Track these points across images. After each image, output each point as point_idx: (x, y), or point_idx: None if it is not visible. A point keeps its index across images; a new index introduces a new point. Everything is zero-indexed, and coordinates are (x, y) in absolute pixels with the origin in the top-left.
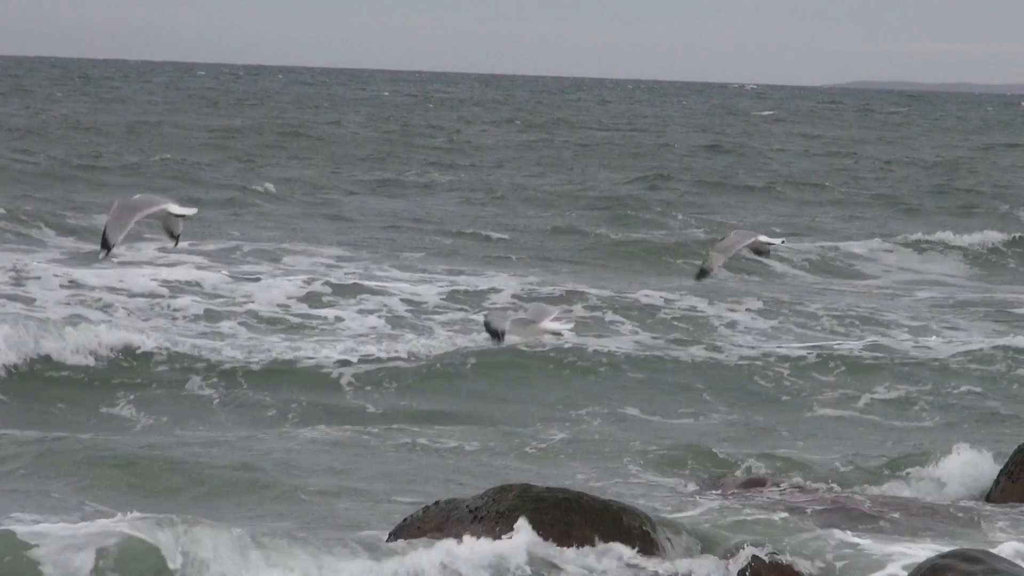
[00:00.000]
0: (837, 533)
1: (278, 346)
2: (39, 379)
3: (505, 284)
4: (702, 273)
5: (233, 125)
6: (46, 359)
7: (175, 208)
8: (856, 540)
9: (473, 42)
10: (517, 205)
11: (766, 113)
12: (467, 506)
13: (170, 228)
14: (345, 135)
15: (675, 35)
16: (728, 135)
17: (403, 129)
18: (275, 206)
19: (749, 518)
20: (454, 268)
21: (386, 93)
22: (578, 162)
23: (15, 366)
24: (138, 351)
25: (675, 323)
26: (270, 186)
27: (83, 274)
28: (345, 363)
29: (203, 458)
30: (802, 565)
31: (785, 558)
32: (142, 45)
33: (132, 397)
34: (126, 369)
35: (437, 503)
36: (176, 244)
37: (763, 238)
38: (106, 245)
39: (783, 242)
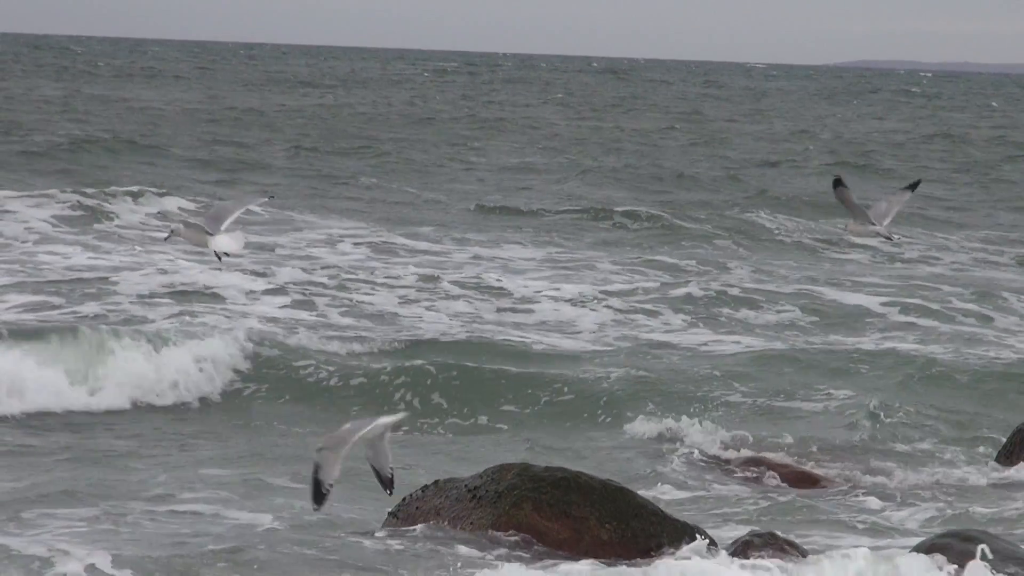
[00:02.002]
0: (829, 507)
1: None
2: None
3: None
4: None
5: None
6: None
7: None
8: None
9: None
10: None
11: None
12: (466, 485)
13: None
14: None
15: (670, 14)
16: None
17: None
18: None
19: (744, 496)
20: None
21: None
22: None
23: None
24: None
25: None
26: None
27: None
28: None
29: None
30: (796, 540)
31: (778, 534)
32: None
33: None
34: None
35: (436, 482)
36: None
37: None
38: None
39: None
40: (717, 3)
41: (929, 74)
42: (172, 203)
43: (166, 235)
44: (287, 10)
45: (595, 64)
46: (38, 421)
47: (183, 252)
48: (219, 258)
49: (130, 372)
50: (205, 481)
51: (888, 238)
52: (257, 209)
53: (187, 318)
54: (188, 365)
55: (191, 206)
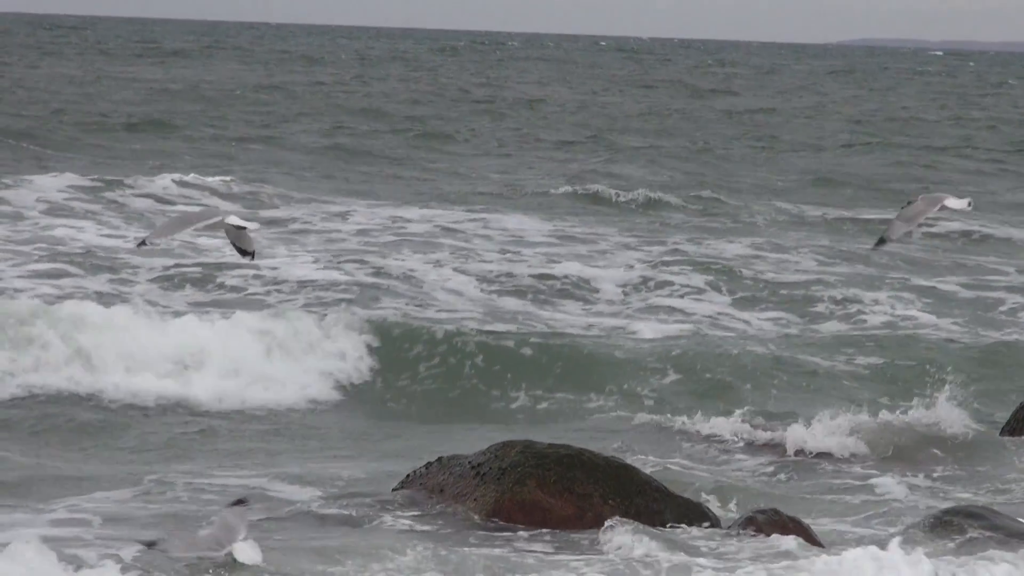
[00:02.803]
0: (836, 483)
1: None
2: None
3: None
4: (881, 242)
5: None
6: None
7: (235, 220)
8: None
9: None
10: None
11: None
12: (469, 462)
13: (238, 243)
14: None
15: None
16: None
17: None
18: None
19: (748, 473)
20: None
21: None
22: None
23: None
24: None
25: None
26: None
27: None
28: None
29: None
30: (800, 518)
31: (782, 511)
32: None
33: None
34: None
35: (440, 459)
36: (252, 258)
37: (951, 202)
38: (143, 242)
39: (970, 204)
40: None
41: (939, 52)
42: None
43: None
44: None
45: (603, 43)
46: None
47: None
48: (246, 255)
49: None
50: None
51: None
52: (249, 226)
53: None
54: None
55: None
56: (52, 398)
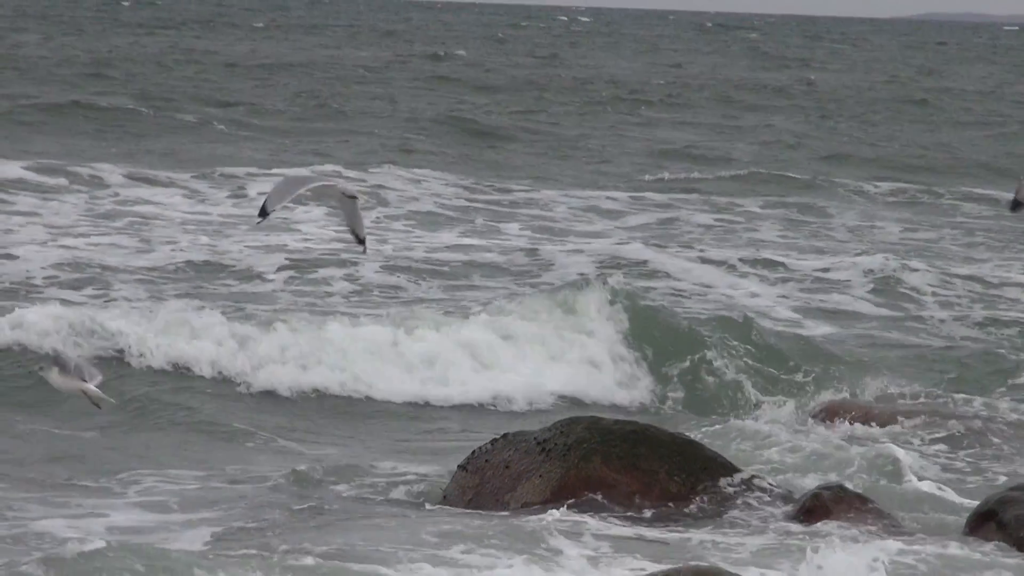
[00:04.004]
0: (905, 458)
1: None
2: None
3: None
4: (1016, 205)
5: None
6: None
7: (345, 186)
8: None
9: None
10: None
11: None
12: (535, 438)
13: (351, 222)
14: None
15: None
16: None
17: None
18: None
19: (820, 448)
20: None
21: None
22: None
23: None
24: None
25: None
26: None
27: None
28: None
29: None
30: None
31: (848, 486)
32: None
33: None
34: None
35: (505, 435)
36: (365, 250)
37: None
38: (264, 212)
39: None
40: None
41: (1015, 27)
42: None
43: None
44: None
45: (709, 24)
46: None
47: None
48: (361, 242)
49: None
50: None
51: None
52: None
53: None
54: None
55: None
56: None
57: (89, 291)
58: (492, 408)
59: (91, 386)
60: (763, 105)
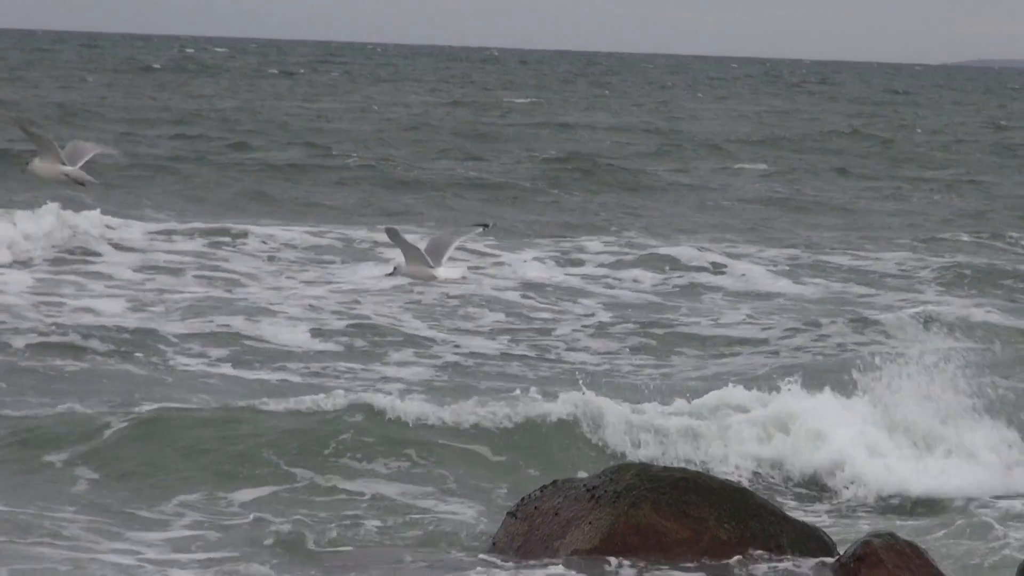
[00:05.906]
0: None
1: None
2: None
3: None
4: None
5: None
6: None
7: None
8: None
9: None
10: None
11: None
12: (584, 485)
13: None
14: None
15: (776, 14)
16: None
17: None
18: None
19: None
20: None
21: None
22: None
23: None
24: None
25: None
26: None
27: None
28: None
29: None
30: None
31: (899, 536)
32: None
33: None
34: None
35: (555, 482)
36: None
37: None
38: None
39: None
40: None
41: None
42: None
43: (390, 271)
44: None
45: (735, 65)
46: None
47: None
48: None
49: None
50: None
51: None
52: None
53: None
54: None
55: None
56: None
57: None
58: None
59: (73, 168)
60: None
